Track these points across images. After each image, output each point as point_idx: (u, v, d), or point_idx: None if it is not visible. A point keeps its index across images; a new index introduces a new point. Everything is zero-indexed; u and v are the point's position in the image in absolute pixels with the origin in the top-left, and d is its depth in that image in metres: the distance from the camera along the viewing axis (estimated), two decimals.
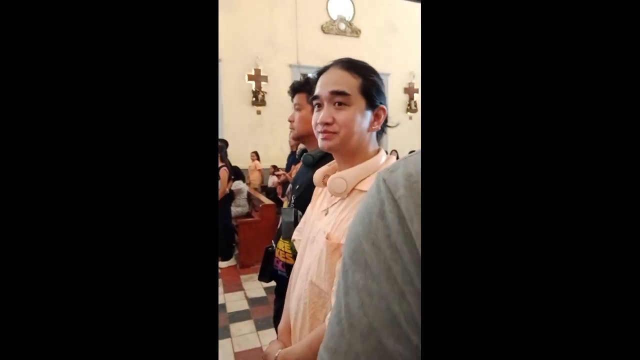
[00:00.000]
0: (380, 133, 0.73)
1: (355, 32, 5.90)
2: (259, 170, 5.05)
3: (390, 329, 0.22)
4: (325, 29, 5.70)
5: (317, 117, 0.68)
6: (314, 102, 0.69)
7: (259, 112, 5.45)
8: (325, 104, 0.67)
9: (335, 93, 0.65)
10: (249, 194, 3.83)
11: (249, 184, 4.70)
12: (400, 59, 6.14)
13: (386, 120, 0.73)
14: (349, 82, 0.66)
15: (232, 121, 5.22)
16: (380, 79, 0.70)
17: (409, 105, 6.48)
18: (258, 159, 5.11)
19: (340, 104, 0.66)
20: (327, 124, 0.66)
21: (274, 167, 4.71)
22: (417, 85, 6.42)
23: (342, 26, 5.76)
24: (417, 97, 6.44)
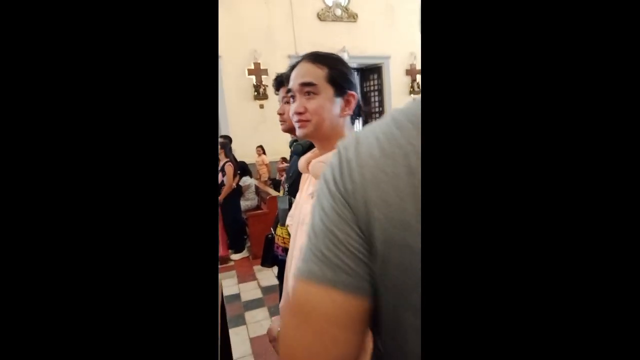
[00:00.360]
0: (354, 118, 0.78)
1: (352, 17, 5.82)
2: (266, 164, 5.11)
3: (340, 227, 0.32)
4: (321, 17, 5.65)
5: (292, 108, 0.74)
6: (289, 94, 0.75)
7: (261, 106, 5.48)
8: (297, 95, 0.73)
9: (304, 84, 0.72)
10: (256, 188, 3.90)
11: (258, 178, 4.77)
12: (399, 41, 6.04)
13: (360, 107, 0.77)
14: (315, 73, 0.72)
15: (236, 117, 5.26)
16: (348, 68, 0.76)
17: (412, 86, 6.40)
18: (264, 152, 5.16)
19: (309, 93, 0.72)
20: (299, 113, 0.72)
21: (283, 159, 4.76)
22: (419, 66, 6.32)
23: (339, 12, 5.70)
24: (420, 78, 6.34)
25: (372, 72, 6.24)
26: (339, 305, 0.31)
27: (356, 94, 0.75)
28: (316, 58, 0.74)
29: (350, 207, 0.32)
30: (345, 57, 5.57)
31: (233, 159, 3.36)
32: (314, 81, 0.71)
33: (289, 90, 0.75)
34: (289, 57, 5.52)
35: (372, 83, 6.31)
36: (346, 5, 5.76)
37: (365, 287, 0.31)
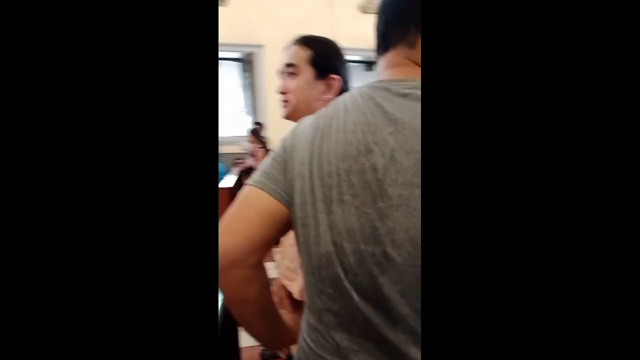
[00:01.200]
0: None
1: None
2: None
3: (278, 158, 0.51)
4: (363, 8, 5.61)
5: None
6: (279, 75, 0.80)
7: None
8: (283, 75, 0.77)
9: (286, 65, 0.75)
10: None
11: None
12: None
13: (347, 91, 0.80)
14: (298, 55, 0.75)
15: (273, 105, 5.41)
16: (336, 52, 0.77)
17: None
18: None
19: (291, 74, 0.75)
20: (282, 93, 0.76)
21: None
22: None
23: None
24: None
25: None
26: (265, 202, 0.48)
27: (340, 78, 0.75)
28: (302, 40, 0.77)
29: (284, 151, 0.51)
30: None
31: (264, 144, 3.50)
32: (294, 62, 0.74)
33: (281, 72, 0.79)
34: None
35: None
36: None
37: (284, 197, 0.48)
